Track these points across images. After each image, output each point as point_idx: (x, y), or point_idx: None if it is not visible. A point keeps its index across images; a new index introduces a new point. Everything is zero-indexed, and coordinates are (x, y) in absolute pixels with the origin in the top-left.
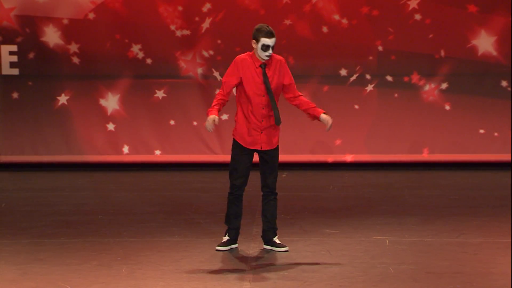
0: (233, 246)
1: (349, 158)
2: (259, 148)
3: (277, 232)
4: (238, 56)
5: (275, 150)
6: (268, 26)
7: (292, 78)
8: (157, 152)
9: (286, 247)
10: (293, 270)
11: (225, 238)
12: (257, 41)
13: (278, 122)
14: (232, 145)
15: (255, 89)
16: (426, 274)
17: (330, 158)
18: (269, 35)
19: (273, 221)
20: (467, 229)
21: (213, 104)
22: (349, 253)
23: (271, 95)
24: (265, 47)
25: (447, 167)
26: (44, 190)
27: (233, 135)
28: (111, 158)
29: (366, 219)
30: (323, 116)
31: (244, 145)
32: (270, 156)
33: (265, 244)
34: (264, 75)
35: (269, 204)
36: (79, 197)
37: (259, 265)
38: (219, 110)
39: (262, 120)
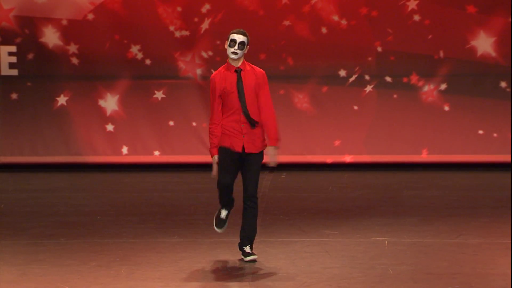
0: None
1: (348, 158)
2: (240, 151)
3: (252, 242)
4: (213, 74)
5: (258, 155)
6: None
7: (268, 96)
8: (156, 152)
9: (254, 255)
10: (292, 271)
11: (224, 213)
12: (227, 39)
13: (252, 125)
14: (218, 152)
15: (232, 95)
16: (425, 275)
17: (329, 159)
18: (239, 31)
19: (249, 231)
20: (466, 230)
21: (211, 141)
22: (348, 253)
23: (242, 98)
24: (231, 42)
25: (446, 168)
26: (43, 191)
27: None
28: (110, 158)
29: (365, 220)
30: (270, 148)
31: (228, 147)
32: (252, 160)
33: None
34: (239, 78)
35: (248, 212)
36: (78, 198)
37: (258, 266)
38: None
39: (243, 125)
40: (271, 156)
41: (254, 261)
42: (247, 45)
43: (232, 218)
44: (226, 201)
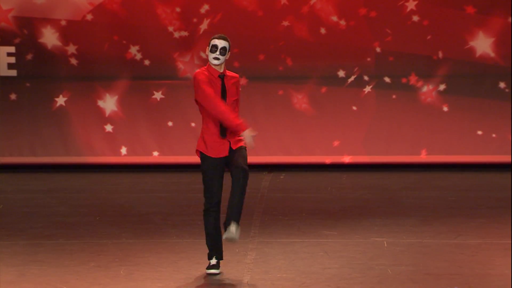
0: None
1: (347, 159)
2: (227, 154)
3: (238, 221)
4: (196, 71)
5: (241, 147)
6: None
7: (239, 96)
8: (155, 153)
9: (233, 234)
10: (291, 271)
11: (213, 261)
12: (208, 44)
13: (223, 135)
14: (201, 160)
15: None
16: (424, 275)
17: (328, 159)
18: (220, 37)
19: (236, 205)
20: (465, 231)
21: (232, 118)
22: (347, 254)
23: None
24: (213, 48)
25: (445, 168)
26: (42, 191)
27: (198, 149)
28: (109, 159)
29: (364, 220)
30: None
31: (213, 156)
32: (237, 151)
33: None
34: (223, 84)
35: (237, 185)
36: (77, 199)
37: (257, 266)
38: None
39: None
40: (247, 139)
41: (232, 239)
42: (229, 51)
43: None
44: (214, 238)
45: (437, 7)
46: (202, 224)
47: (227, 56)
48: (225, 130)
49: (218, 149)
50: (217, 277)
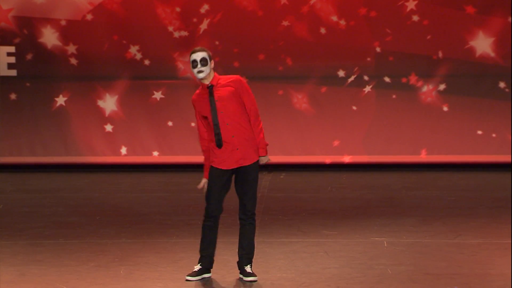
0: (205, 275)
1: (347, 159)
2: (235, 166)
3: (252, 260)
4: (192, 96)
5: (253, 166)
6: (199, 47)
7: (252, 99)
8: (155, 153)
9: (255, 276)
10: (291, 271)
11: (197, 267)
12: (190, 62)
13: (219, 145)
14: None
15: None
16: (424, 275)
17: (328, 159)
18: (195, 50)
19: (248, 249)
20: (465, 230)
21: (204, 161)
22: (347, 254)
23: (214, 113)
24: (193, 63)
25: (445, 168)
26: (42, 191)
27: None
28: (109, 159)
29: (364, 220)
30: (260, 158)
31: (218, 167)
32: (247, 172)
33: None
34: (210, 94)
35: (245, 230)
36: (77, 198)
37: (257, 266)
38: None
39: (233, 136)
40: (262, 162)
41: (254, 281)
42: (211, 59)
43: (227, 222)
44: (207, 246)
45: (437, 7)
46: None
47: (211, 64)
48: (220, 141)
49: (219, 160)
50: (217, 276)
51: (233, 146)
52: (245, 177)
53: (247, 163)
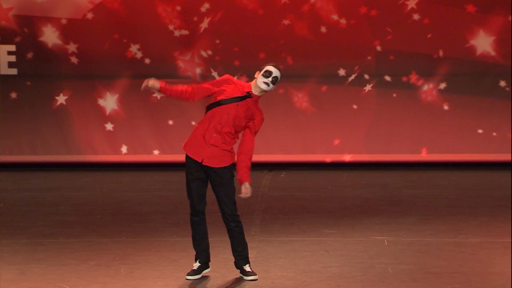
0: (205, 271)
1: (347, 158)
2: (200, 161)
3: (248, 259)
4: (231, 76)
5: (223, 170)
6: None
7: (254, 130)
8: (156, 152)
9: (255, 275)
10: (291, 270)
11: (195, 265)
12: (261, 69)
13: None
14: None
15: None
16: (424, 274)
17: (328, 158)
18: (276, 66)
19: (241, 249)
20: (466, 229)
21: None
22: (348, 253)
23: (224, 107)
24: (266, 73)
25: (446, 167)
26: (42, 190)
27: (184, 148)
28: (110, 158)
29: (365, 219)
30: (246, 184)
31: (191, 156)
32: (219, 175)
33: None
34: (241, 99)
35: (233, 235)
36: (77, 197)
37: (258, 265)
38: (165, 85)
39: (215, 135)
40: (245, 191)
41: (255, 280)
42: (277, 83)
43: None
44: (200, 241)
45: (438, 5)
46: None
47: (273, 87)
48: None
49: (193, 146)
50: (218, 275)
51: (208, 142)
52: (217, 181)
53: (213, 164)
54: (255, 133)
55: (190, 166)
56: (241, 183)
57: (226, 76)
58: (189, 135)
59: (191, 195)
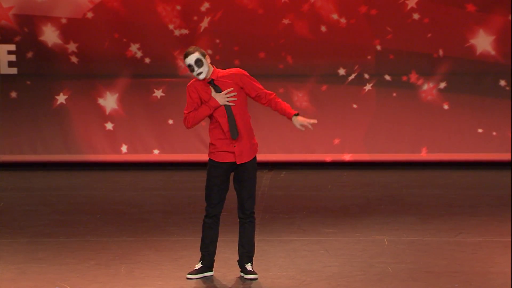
0: (207, 274)
1: (347, 157)
2: (233, 160)
3: (252, 258)
4: (188, 84)
5: (251, 163)
6: (190, 47)
7: (257, 86)
8: (156, 151)
9: (255, 274)
10: (291, 270)
11: (198, 265)
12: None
13: (234, 135)
14: (208, 166)
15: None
16: (424, 273)
17: (328, 157)
18: (187, 53)
19: (248, 247)
20: (466, 228)
21: (199, 111)
22: (348, 252)
23: (229, 109)
24: (189, 68)
25: (446, 167)
26: (42, 189)
27: (211, 157)
28: (110, 157)
29: (365, 218)
30: (294, 119)
31: (221, 160)
32: (245, 170)
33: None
34: (215, 87)
35: (244, 228)
36: (77, 197)
37: (258, 264)
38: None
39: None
40: (299, 124)
41: (255, 279)
42: (205, 55)
43: (227, 220)
44: (208, 245)
45: (438, 5)
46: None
47: (207, 61)
48: (235, 130)
49: (220, 152)
50: (218, 274)
51: (240, 138)
52: (243, 175)
53: (244, 160)
54: (262, 89)
55: (216, 171)
56: (291, 117)
57: (187, 87)
58: (208, 146)
59: (211, 198)
